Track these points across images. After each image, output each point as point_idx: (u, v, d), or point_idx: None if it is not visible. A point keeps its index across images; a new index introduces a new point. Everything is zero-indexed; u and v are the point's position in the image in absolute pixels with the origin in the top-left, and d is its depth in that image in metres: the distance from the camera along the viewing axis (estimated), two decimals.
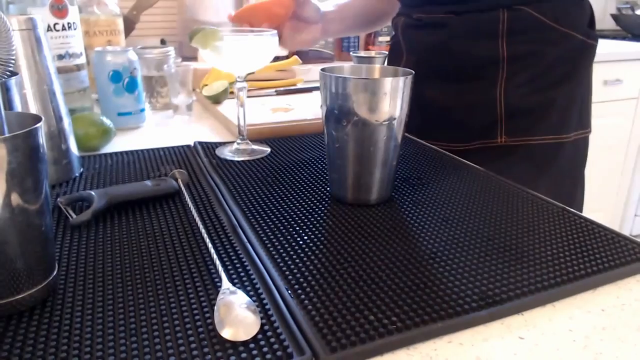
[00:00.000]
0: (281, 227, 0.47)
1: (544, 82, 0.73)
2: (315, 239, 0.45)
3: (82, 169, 0.62)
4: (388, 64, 0.90)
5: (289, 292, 0.37)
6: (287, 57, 1.25)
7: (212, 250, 0.42)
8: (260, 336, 0.32)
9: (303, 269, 0.40)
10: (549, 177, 0.74)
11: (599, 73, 1.64)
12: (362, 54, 1.01)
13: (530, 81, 0.72)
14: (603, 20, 2.48)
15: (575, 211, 0.51)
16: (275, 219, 0.49)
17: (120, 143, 0.75)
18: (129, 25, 1.22)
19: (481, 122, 0.75)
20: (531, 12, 0.70)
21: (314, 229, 0.47)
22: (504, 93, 0.73)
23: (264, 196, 0.55)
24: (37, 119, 0.35)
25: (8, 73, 0.38)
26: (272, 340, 0.32)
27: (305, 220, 0.49)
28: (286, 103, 0.97)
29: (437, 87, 0.78)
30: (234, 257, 0.42)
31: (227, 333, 0.32)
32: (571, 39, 0.72)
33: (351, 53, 1.03)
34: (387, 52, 0.96)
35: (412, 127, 0.82)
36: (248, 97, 0.89)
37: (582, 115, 0.77)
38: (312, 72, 1.32)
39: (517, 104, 0.73)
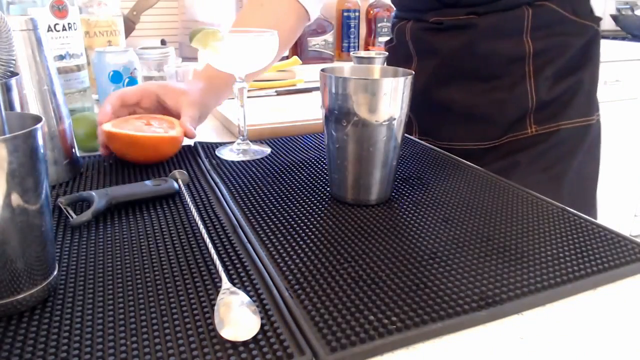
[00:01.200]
0: (281, 227, 0.47)
1: (569, 71, 0.74)
2: (315, 239, 0.45)
3: (82, 169, 0.62)
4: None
5: (289, 292, 0.37)
6: (287, 58, 1.25)
7: (212, 250, 0.42)
8: (260, 336, 0.32)
9: (303, 269, 0.40)
10: (578, 159, 0.76)
11: (599, 73, 1.64)
12: (362, 54, 1.00)
13: (557, 72, 0.74)
14: (603, 20, 2.48)
15: (575, 211, 0.51)
16: (275, 219, 0.49)
17: None
18: (129, 25, 1.23)
19: (511, 117, 0.76)
20: (553, 6, 0.72)
21: (314, 229, 0.47)
22: (534, 86, 0.74)
23: (264, 196, 0.55)
24: (37, 119, 0.35)
25: (9, 73, 0.38)
26: (272, 340, 0.32)
27: (305, 220, 0.49)
28: (286, 105, 0.97)
29: (462, 88, 0.78)
30: (234, 257, 0.42)
31: (227, 333, 0.32)
32: (588, 28, 0.75)
33: (351, 53, 1.03)
34: (387, 53, 0.96)
35: (435, 131, 0.82)
36: (248, 97, 0.89)
37: (594, 95, 0.80)
38: (312, 72, 1.32)
39: (546, 95, 0.74)
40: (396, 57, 0.89)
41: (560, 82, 0.74)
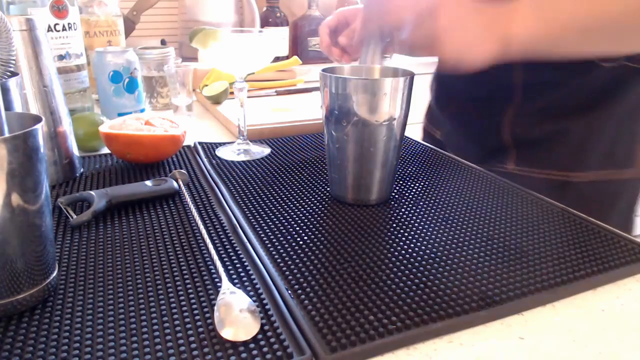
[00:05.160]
0: (281, 227, 0.47)
1: (558, 111, 0.65)
2: (315, 239, 0.45)
3: (82, 169, 0.62)
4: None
5: (289, 292, 0.37)
6: (287, 58, 1.25)
7: (212, 250, 0.42)
8: (260, 336, 0.32)
9: (303, 269, 0.40)
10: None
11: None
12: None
13: (543, 109, 0.65)
14: None
15: (575, 211, 0.51)
16: (275, 219, 0.49)
17: None
18: (129, 25, 1.23)
19: (491, 145, 0.71)
20: None
21: (314, 229, 0.47)
22: (513, 120, 0.67)
23: (264, 196, 0.55)
24: (37, 119, 0.35)
25: (8, 73, 0.38)
26: (272, 340, 0.32)
27: (305, 220, 0.49)
28: (286, 105, 0.97)
29: (453, 105, 0.77)
30: (234, 257, 0.42)
31: (227, 333, 0.32)
32: (597, 67, 0.61)
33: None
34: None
35: (445, 142, 0.81)
36: (248, 97, 0.89)
37: (616, 153, 0.66)
38: (312, 72, 1.32)
39: (525, 133, 0.67)
40: None
41: (546, 123, 0.66)
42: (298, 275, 0.39)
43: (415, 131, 0.88)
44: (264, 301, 0.36)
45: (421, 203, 0.53)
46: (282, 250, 0.43)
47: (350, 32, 0.71)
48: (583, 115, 0.64)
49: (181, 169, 0.63)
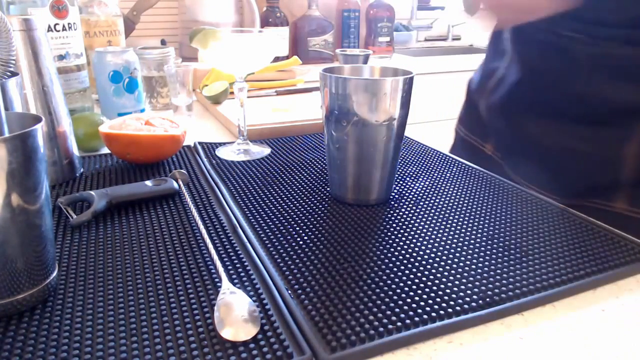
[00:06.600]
0: (281, 227, 0.47)
1: None
2: (315, 239, 0.45)
3: (82, 169, 0.62)
4: (486, 59, 0.76)
5: (289, 292, 0.37)
6: (287, 58, 1.25)
7: (212, 250, 0.42)
8: (260, 336, 0.32)
9: (303, 269, 0.40)
10: None
11: None
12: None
13: None
14: None
15: (575, 212, 0.51)
16: (275, 219, 0.49)
17: None
18: (129, 25, 1.23)
19: (596, 178, 0.58)
20: None
21: (314, 229, 0.47)
22: (638, 151, 0.55)
23: (264, 196, 0.55)
24: (37, 119, 0.35)
25: (8, 73, 0.38)
26: (272, 340, 0.32)
27: (305, 220, 0.49)
28: (286, 105, 0.97)
29: (542, 123, 0.62)
30: (234, 257, 0.42)
31: (227, 333, 0.32)
32: None
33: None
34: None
35: (511, 158, 0.68)
36: (248, 97, 0.89)
37: None
38: (312, 72, 1.32)
39: None
40: (493, 47, 0.72)
41: None
42: (298, 275, 0.39)
43: (415, 131, 0.88)
44: (264, 301, 0.36)
45: (421, 203, 0.53)
46: (282, 250, 0.43)
47: None
48: None
49: (181, 169, 0.63)
